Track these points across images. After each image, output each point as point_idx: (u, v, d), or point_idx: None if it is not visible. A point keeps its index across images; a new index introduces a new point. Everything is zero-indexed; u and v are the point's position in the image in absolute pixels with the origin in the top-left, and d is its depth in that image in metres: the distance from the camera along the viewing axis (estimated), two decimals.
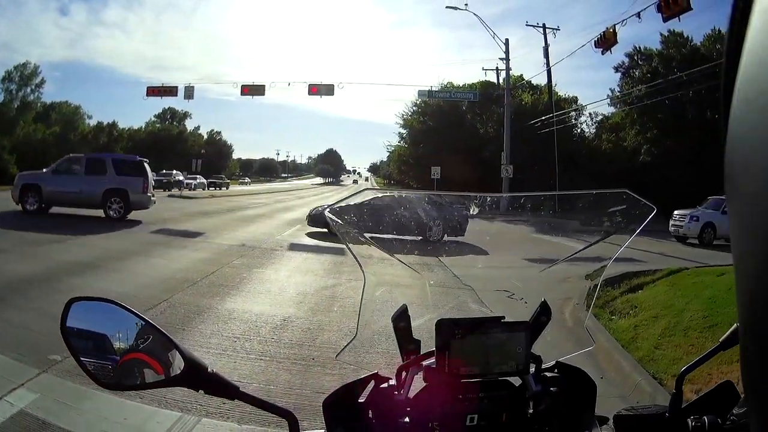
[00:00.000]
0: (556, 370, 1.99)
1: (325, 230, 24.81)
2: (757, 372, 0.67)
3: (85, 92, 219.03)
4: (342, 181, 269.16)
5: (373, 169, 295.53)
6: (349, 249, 2.10)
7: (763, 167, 0.62)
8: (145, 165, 29.96)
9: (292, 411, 1.69)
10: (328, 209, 2.11)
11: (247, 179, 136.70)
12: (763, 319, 0.64)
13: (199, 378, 1.64)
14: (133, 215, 29.00)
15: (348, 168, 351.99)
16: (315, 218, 26.58)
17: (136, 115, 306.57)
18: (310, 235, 25.72)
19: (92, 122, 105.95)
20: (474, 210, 2.30)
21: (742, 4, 0.67)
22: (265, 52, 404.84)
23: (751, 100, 0.64)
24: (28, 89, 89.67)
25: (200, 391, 1.64)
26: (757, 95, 0.63)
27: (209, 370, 1.64)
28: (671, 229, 31.50)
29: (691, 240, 30.98)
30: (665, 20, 35.76)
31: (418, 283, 2.24)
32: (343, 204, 2.43)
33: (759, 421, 0.67)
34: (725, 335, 1.94)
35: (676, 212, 31.93)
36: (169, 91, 60.49)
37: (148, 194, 29.55)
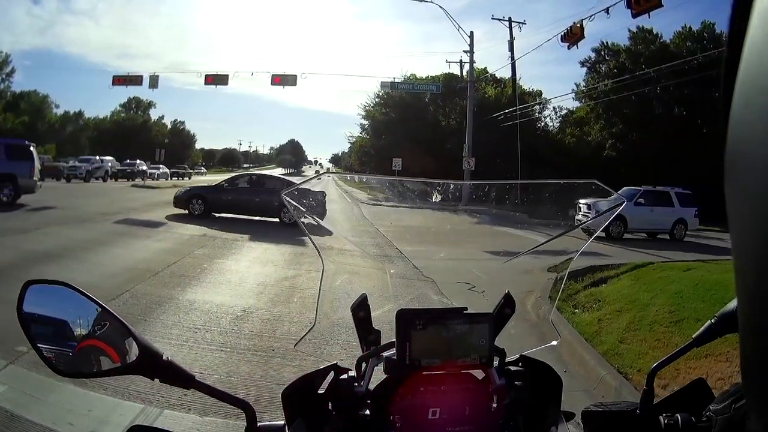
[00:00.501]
0: (520, 364, 1.99)
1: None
2: (757, 372, 0.67)
3: (53, 81, 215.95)
4: (303, 171, 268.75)
5: (335, 160, 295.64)
6: (309, 237, 2.08)
7: (763, 167, 0.62)
8: (32, 150, 30.23)
9: (251, 402, 1.68)
10: (285, 193, 2.09)
11: (203, 170, 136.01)
12: (763, 318, 0.64)
13: (155, 366, 1.62)
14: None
15: (309, 159, 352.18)
16: (179, 199, 28.80)
17: (102, 103, 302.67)
18: (272, 226, 25.70)
19: (60, 111, 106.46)
20: (437, 198, 2.29)
21: (742, 4, 0.66)
22: (230, 41, 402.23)
23: (751, 100, 0.64)
24: None
25: (156, 379, 1.62)
26: (757, 95, 0.63)
27: (164, 358, 1.62)
28: (576, 221, 30.55)
29: (600, 233, 29.57)
30: (635, 16, 35.96)
31: (379, 273, 2.23)
32: (301, 188, 2.40)
33: (759, 421, 0.67)
34: (699, 331, 1.92)
35: (581, 201, 30.18)
36: (135, 80, 60.31)
37: (35, 179, 29.85)
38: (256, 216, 28.61)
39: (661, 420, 1.81)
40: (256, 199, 28.28)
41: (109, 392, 6.63)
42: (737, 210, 0.67)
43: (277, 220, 27.74)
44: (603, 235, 27.70)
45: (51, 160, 67.90)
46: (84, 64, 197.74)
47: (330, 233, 2.35)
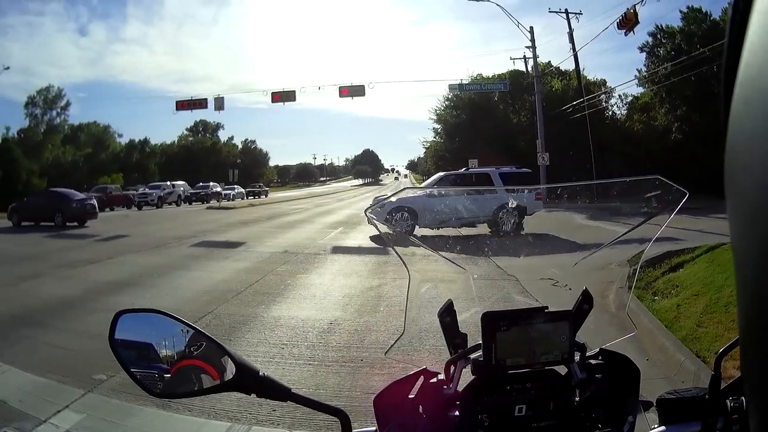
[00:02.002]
0: (600, 358, 2.01)
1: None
2: (756, 372, 0.68)
3: (112, 111, 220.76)
4: (381, 180, 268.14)
5: (411, 166, 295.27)
6: (392, 248, 2.12)
7: (763, 167, 0.62)
8: None
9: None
10: (368, 210, 2.14)
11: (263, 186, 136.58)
12: (763, 318, 0.64)
13: (252, 382, 1.67)
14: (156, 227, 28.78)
15: (386, 167, 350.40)
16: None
17: (167, 129, 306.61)
18: (353, 237, 25.83)
19: (123, 140, 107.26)
20: (512, 203, 2.33)
21: (742, 4, 0.67)
22: (291, 58, 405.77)
23: (751, 100, 0.65)
24: (54, 112, 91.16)
25: (252, 394, 1.67)
26: (757, 95, 0.64)
27: (260, 373, 1.67)
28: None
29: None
30: None
31: (462, 278, 2.25)
32: (385, 202, 2.45)
33: (759, 421, 0.68)
34: None
35: (376, 197, 28.63)
36: (199, 103, 60.80)
37: None
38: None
39: (728, 403, 1.80)
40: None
41: (195, 413, 6.70)
42: (737, 209, 0.67)
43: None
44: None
45: (119, 189, 68.94)
46: (141, 91, 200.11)
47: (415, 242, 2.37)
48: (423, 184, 32.11)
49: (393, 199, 27.33)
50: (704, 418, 1.83)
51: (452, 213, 19.61)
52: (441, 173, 31.82)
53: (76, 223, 37.17)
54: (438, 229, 23.16)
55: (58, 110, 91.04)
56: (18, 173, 68.61)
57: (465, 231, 16.74)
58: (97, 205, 40.74)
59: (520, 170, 30.46)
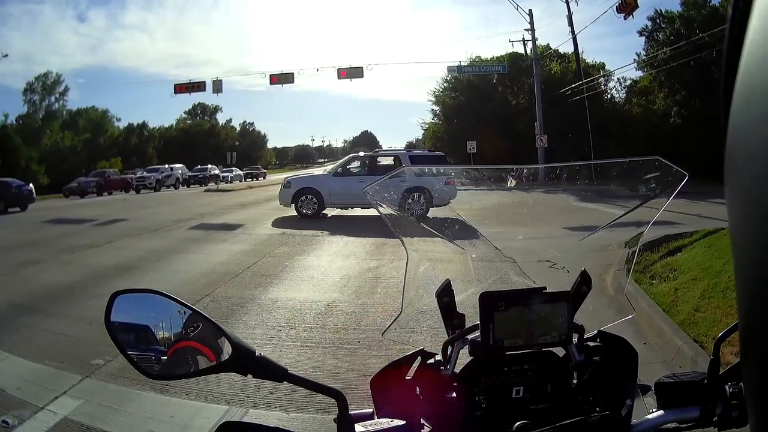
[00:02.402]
0: (598, 340, 2.01)
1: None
2: (756, 372, 0.68)
3: (111, 96, 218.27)
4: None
5: (410, 148, 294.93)
6: (390, 227, 2.12)
7: (764, 166, 0.62)
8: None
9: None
10: (367, 188, 2.12)
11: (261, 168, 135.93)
12: (763, 317, 0.64)
13: (248, 362, 1.66)
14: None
15: (384, 149, 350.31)
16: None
17: (165, 113, 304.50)
18: (352, 219, 25.84)
19: (122, 125, 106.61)
20: (512, 182, 2.31)
21: (742, 4, 0.67)
22: (289, 40, 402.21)
23: (751, 99, 0.64)
24: (52, 98, 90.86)
25: (248, 375, 1.67)
26: (757, 95, 0.63)
27: (257, 353, 1.67)
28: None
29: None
30: None
31: (461, 258, 2.25)
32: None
33: (757, 408, 0.68)
34: None
35: (285, 177, 28.65)
36: (197, 86, 61.00)
37: None
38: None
39: (726, 389, 1.81)
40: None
41: (192, 396, 6.73)
42: (737, 209, 0.67)
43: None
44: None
45: (118, 173, 68.98)
46: (142, 77, 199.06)
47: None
48: (332, 167, 31.65)
49: (296, 181, 27.92)
50: (703, 403, 1.84)
51: (357, 196, 20.84)
52: (351, 155, 32.20)
53: (18, 209, 39.32)
54: (346, 210, 25.03)
55: (57, 96, 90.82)
56: (17, 160, 68.43)
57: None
58: (33, 191, 43.02)
59: (432, 153, 32.13)
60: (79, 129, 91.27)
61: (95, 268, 15.44)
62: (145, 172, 69.17)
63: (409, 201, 21.88)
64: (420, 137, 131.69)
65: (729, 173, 0.69)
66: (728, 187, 0.69)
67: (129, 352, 1.67)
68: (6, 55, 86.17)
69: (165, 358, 1.68)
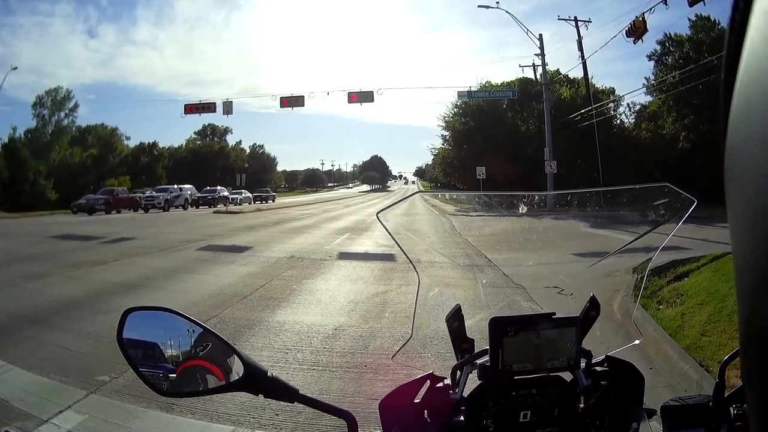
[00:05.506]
0: (605, 364, 2.02)
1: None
2: (756, 372, 0.68)
3: (121, 113, 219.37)
4: (389, 186, 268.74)
5: (419, 172, 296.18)
6: (403, 251, 2.13)
7: (763, 168, 0.62)
8: None
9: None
10: (378, 213, 2.14)
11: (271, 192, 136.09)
12: (764, 319, 0.64)
13: (259, 382, 1.69)
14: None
15: (394, 173, 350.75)
16: None
17: (175, 133, 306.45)
18: (360, 243, 25.81)
19: (131, 143, 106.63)
20: (523, 209, 2.33)
21: (742, 4, 0.67)
22: (301, 62, 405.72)
23: (751, 100, 0.65)
24: (62, 113, 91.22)
25: (260, 395, 1.68)
26: (757, 96, 0.64)
27: (268, 374, 1.68)
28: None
29: None
30: (691, 5, 36.01)
31: (471, 284, 2.26)
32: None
33: (759, 421, 0.68)
34: None
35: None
36: (207, 107, 61.23)
37: None
38: None
39: (731, 411, 1.82)
40: None
41: (198, 416, 6.68)
42: (737, 210, 0.68)
43: None
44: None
45: (126, 192, 68.76)
46: (152, 94, 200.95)
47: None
48: None
49: None
50: (708, 426, 1.85)
51: None
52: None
53: None
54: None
55: (67, 111, 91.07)
56: (25, 173, 68.69)
57: None
58: None
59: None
60: (88, 145, 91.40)
61: (103, 284, 15.49)
62: (154, 192, 69.14)
63: None
64: (429, 162, 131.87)
65: (729, 174, 0.71)
66: (728, 187, 0.71)
67: (140, 369, 1.69)
68: (15, 68, 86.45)
69: (174, 375, 1.70)
